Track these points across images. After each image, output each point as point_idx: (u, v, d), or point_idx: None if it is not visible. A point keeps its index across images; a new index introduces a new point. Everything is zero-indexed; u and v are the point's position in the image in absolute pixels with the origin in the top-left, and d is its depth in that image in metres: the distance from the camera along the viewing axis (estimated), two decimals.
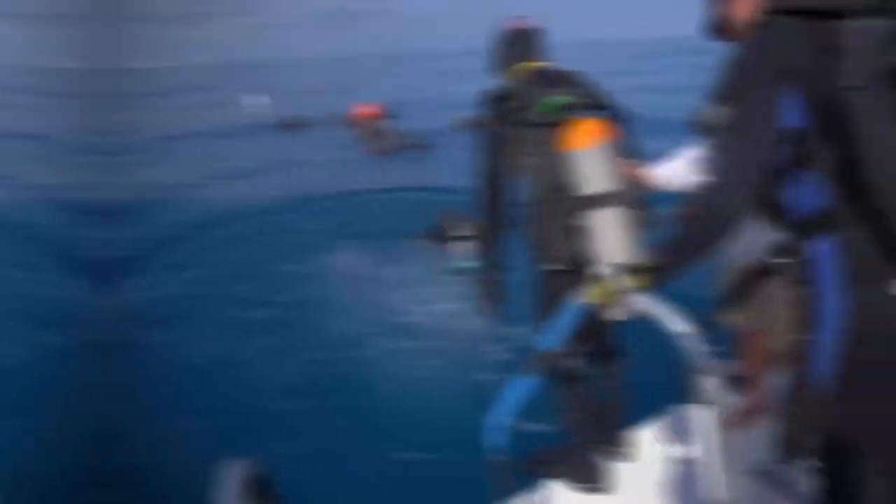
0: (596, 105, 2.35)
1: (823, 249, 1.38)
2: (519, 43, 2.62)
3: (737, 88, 1.44)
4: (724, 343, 2.01)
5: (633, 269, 1.68)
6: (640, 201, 2.22)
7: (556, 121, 2.28)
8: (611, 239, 2.09)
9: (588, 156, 2.16)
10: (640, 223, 2.15)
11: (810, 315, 1.36)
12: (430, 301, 5.68)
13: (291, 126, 22.77)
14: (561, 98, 2.36)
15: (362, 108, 20.46)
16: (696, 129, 1.62)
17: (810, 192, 1.39)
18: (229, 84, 45.54)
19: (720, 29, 1.71)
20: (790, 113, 1.36)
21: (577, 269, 2.13)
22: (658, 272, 1.59)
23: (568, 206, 2.17)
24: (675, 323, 1.34)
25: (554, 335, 1.75)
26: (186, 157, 18.00)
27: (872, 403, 1.32)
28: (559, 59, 2.52)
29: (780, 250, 1.47)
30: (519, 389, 1.84)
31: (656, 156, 2.55)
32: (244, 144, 20.12)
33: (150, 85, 34.96)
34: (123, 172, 13.10)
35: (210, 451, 1.87)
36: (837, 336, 1.27)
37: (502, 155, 2.43)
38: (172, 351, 5.57)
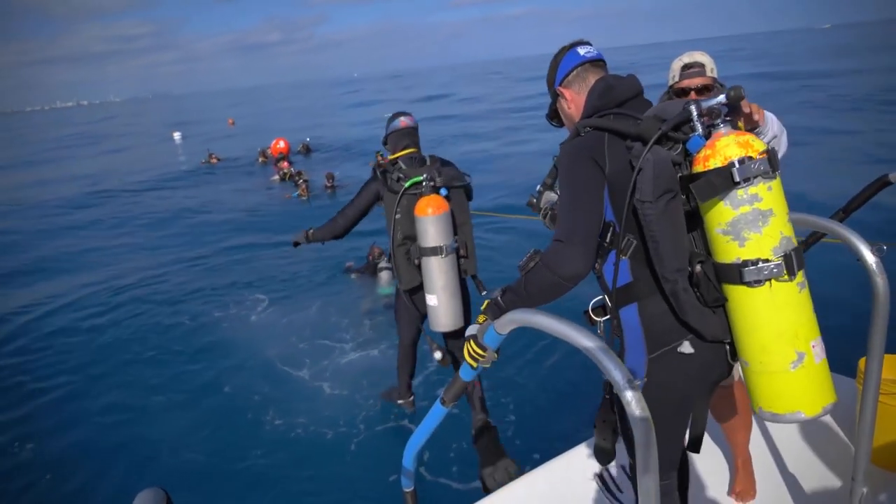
0: (443, 185, 3.74)
1: (631, 316, 1.83)
2: (405, 135, 4.01)
3: (568, 177, 1.85)
4: None
5: (485, 307, 2.01)
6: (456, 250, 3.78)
7: (415, 192, 3.76)
8: (436, 274, 3.68)
9: (426, 220, 3.64)
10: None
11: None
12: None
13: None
14: (417, 178, 3.75)
15: (275, 144, 19.87)
16: (531, 208, 2.32)
17: (617, 269, 1.84)
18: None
19: (555, 117, 2.18)
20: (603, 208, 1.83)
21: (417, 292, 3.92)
22: (498, 310, 1.91)
23: (414, 251, 3.75)
24: (587, 340, 1.40)
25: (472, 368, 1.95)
26: None
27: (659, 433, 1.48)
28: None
29: (595, 309, 1.97)
30: (433, 419, 2.19)
31: None
32: None
33: None
34: None
35: None
36: (639, 380, 1.43)
37: (386, 210, 3.89)
38: None
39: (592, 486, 2.87)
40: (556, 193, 2.14)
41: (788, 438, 3.04)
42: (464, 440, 4.28)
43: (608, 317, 1.91)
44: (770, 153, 1.58)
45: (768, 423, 3.06)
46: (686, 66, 2.57)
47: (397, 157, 3.94)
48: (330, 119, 35.11)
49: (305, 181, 14.86)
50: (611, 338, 1.90)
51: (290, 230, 5.02)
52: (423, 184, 3.74)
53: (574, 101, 2.05)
